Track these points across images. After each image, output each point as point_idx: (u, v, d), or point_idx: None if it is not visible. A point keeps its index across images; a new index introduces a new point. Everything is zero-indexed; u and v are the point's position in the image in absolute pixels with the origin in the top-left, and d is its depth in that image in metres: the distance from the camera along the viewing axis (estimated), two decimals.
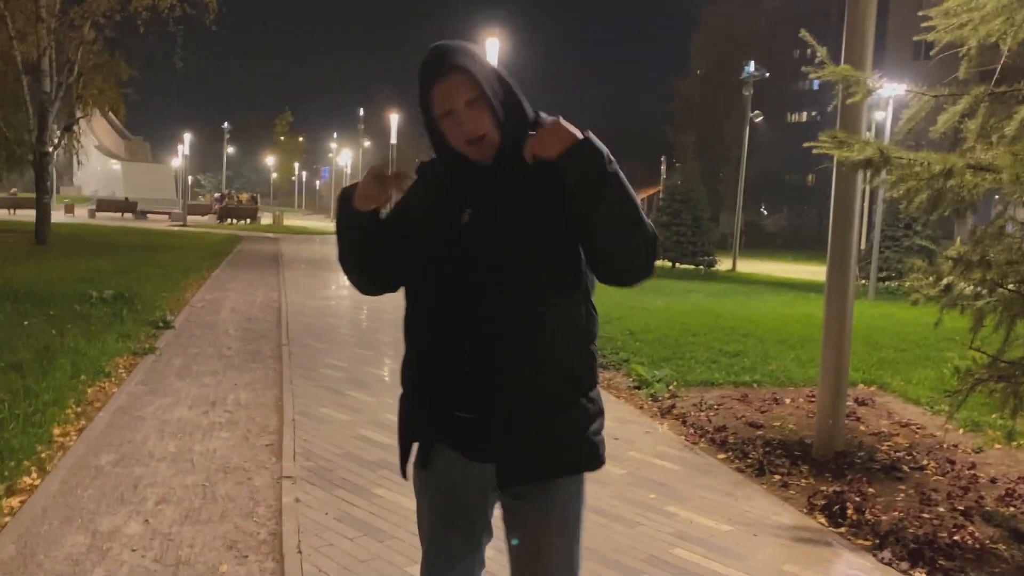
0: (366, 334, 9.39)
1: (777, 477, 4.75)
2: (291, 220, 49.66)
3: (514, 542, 1.85)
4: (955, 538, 3.87)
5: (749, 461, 5.00)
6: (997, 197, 3.98)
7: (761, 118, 32.93)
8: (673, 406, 6.31)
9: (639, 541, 3.71)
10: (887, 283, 19.47)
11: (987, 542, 3.86)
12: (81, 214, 41.87)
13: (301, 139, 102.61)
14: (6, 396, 5.23)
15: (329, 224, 51.45)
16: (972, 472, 4.90)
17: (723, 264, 26.54)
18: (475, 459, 1.81)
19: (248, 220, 41.74)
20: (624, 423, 5.84)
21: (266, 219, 44.87)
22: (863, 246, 21.03)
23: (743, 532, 3.92)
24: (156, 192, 65.37)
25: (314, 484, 4.24)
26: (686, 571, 3.44)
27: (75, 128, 21.91)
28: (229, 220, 41.39)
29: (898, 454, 5.22)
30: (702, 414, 6.11)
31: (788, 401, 6.60)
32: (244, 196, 55.85)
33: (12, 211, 38.71)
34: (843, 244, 5.20)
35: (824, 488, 4.51)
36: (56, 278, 11.95)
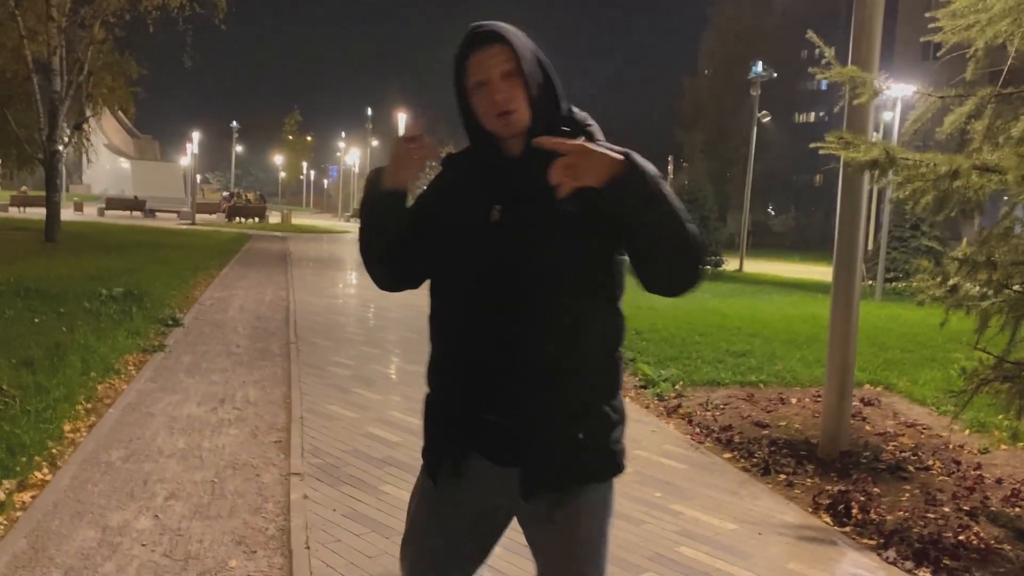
0: (373, 332, 9.43)
1: (782, 476, 4.76)
2: (299, 219, 49.78)
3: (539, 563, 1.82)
4: (960, 538, 3.88)
5: (755, 460, 5.02)
6: (1006, 198, 3.98)
7: (769, 118, 32.85)
8: (679, 405, 6.33)
9: (644, 539, 3.74)
10: (894, 284, 19.42)
11: (992, 542, 3.87)
12: (90, 212, 42.04)
13: (309, 138, 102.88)
14: (18, 392, 5.28)
15: (336, 223, 51.61)
16: (978, 472, 4.90)
17: (730, 264, 26.48)
18: (503, 464, 1.74)
19: (256, 219, 41.85)
20: (630, 422, 5.79)
21: (274, 218, 44.98)
22: (870, 247, 20.99)
23: (748, 531, 3.93)
24: (165, 191, 65.61)
25: (322, 481, 4.28)
26: (691, 569, 3.46)
27: (85, 127, 22.01)
28: (237, 219, 41.51)
29: (903, 454, 5.23)
30: (708, 413, 6.12)
31: (794, 401, 6.61)
32: (251, 195, 55.98)
33: (22, 209, 38.91)
34: (849, 244, 5.21)
35: (829, 487, 4.53)
36: (66, 275, 12.02)
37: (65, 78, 19.51)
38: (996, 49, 3.94)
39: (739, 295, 16.62)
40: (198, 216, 39.60)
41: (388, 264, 1.88)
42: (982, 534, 3.95)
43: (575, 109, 1.77)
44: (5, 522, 3.57)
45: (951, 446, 5.50)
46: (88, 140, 22.80)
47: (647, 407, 6.40)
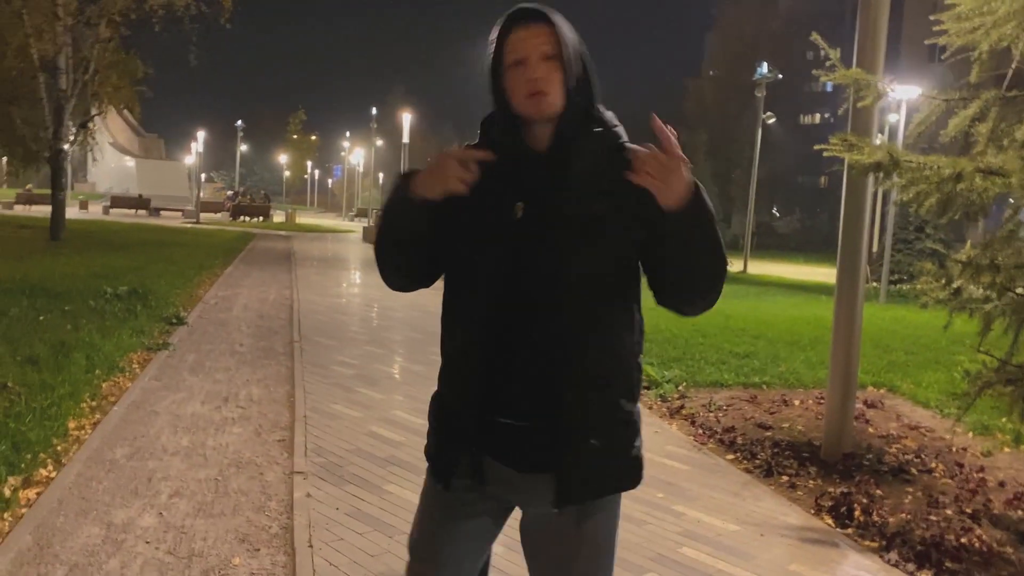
0: (377, 332, 9.45)
1: (785, 478, 4.77)
2: (303, 218, 49.85)
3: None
4: (962, 541, 3.88)
5: (757, 462, 5.02)
6: (1011, 200, 3.99)
7: (774, 119, 32.82)
8: (682, 406, 6.33)
9: (647, 540, 3.74)
10: (898, 286, 19.40)
11: (994, 545, 3.87)
12: (95, 210, 42.20)
13: (314, 137, 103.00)
14: (23, 389, 5.31)
15: (340, 223, 51.65)
16: (980, 475, 4.90)
17: (734, 265, 26.48)
18: (521, 470, 1.69)
19: (261, 218, 41.93)
20: None
21: (278, 217, 45.06)
22: (875, 249, 20.97)
23: (750, 532, 3.94)
24: (169, 189, 65.79)
25: (325, 480, 4.29)
26: (693, 570, 3.47)
27: (90, 125, 22.08)
28: (242, 218, 41.59)
29: (906, 457, 5.23)
30: (711, 415, 6.13)
31: (797, 403, 6.61)
32: (255, 195, 56.07)
33: (27, 207, 39.04)
34: (853, 246, 5.21)
35: (832, 489, 4.53)
36: (71, 274, 12.07)
37: (71, 77, 19.59)
38: (1001, 52, 3.94)
39: (743, 297, 16.61)
40: (202, 215, 39.68)
41: (406, 272, 1.79)
42: (984, 537, 3.95)
43: (603, 109, 1.73)
44: (10, 519, 3.59)
45: (954, 449, 5.50)
46: (93, 138, 22.87)
47: (650, 408, 6.40)
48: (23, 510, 3.70)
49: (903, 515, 4.20)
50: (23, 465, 4.11)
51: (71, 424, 4.92)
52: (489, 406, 1.67)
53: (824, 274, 25.11)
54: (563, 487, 1.67)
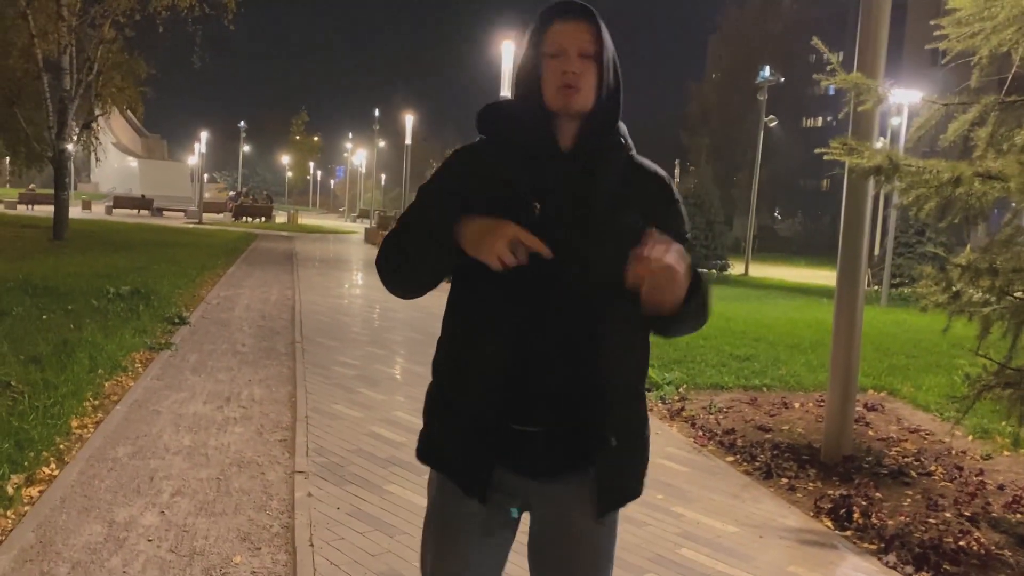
0: (378, 333, 9.47)
1: (784, 480, 4.78)
2: (306, 219, 49.89)
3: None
4: (960, 543, 3.89)
5: (757, 464, 5.04)
6: (1014, 205, 4.00)
7: (776, 123, 32.84)
8: (683, 408, 6.35)
9: (646, 540, 3.76)
10: (899, 289, 19.40)
11: (993, 548, 3.88)
12: (98, 210, 42.27)
13: (317, 138, 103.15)
14: (26, 388, 5.33)
15: (343, 223, 51.67)
16: (980, 479, 4.91)
17: (736, 268, 26.49)
18: (542, 478, 1.66)
19: (263, 218, 41.99)
20: None
21: (280, 218, 45.11)
22: (876, 252, 20.97)
23: (749, 533, 3.95)
24: (172, 190, 65.90)
25: (326, 479, 4.31)
26: (692, 571, 3.48)
27: (94, 125, 22.13)
28: (244, 218, 41.65)
29: (906, 459, 5.24)
30: (711, 417, 6.14)
31: (797, 405, 6.63)
32: (258, 196, 56.14)
33: (30, 207, 39.12)
34: (854, 249, 5.22)
35: (831, 492, 4.54)
36: (74, 273, 12.10)
37: (75, 77, 19.65)
38: (1001, 57, 3.96)
39: (744, 299, 16.62)
40: (205, 215, 39.75)
41: (419, 288, 1.71)
42: (983, 540, 3.96)
43: (624, 127, 1.72)
44: (13, 516, 3.61)
45: (953, 452, 5.51)
46: (97, 139, 22.93)
47: (650, 410, 6.41)
48: (26, 508, 3.72)
49: (902, 518, 4.21)
50: (26, 463, 4.13)
51: (74, 423, 4.94)
52: (512, 413, 1.63)
53: (826, 277, 25.11)
54: (605, 495, 1.68)
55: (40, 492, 3.91)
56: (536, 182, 1.62)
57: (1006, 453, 5.56)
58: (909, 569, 3.63)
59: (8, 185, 62.62)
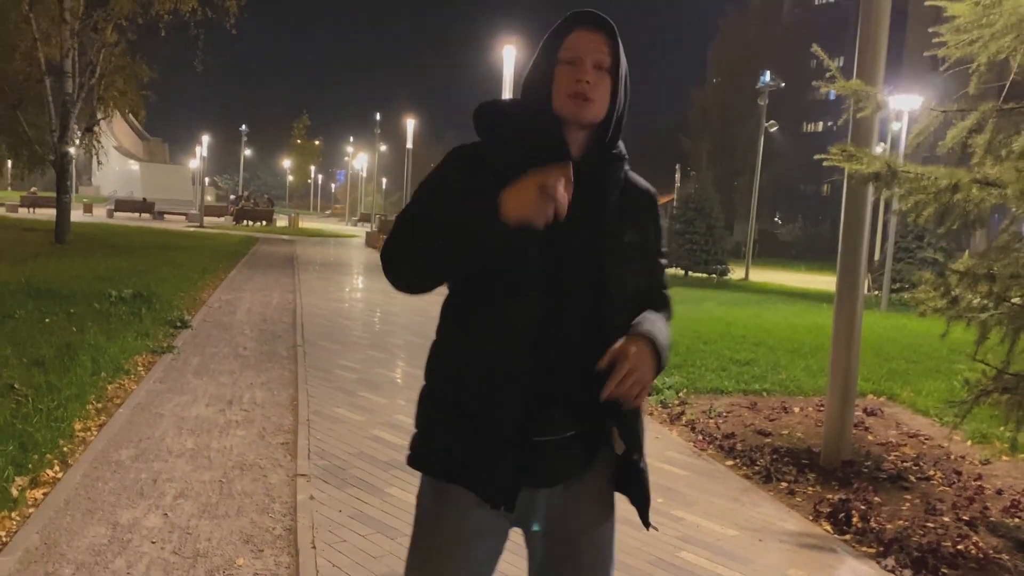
0: (379, 337, 9.49)
1: (784, 484, 4.80)
2: (306, 222, 49.93)
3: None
4: (959, 547, 3.91)
5: (756, 468, 5.06)
6: (1013, 211, 4.03)
7: (776, 128, 32.89)
8: (683, 413, 6.37)
9: (646, 544, 3.78)
10: (899, 294, 19.42)
11: (991, 552, 3.91)
12: (99, 214, 42.30)
13: (318, 142, 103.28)
14: (29, 391, 5.36)
15: (344, 227, 51.69)
16: (978, 483, 4.93)
17: (736, 273, 26.52)
18: (553, 484, 1.67)
19: (264, 222, 42.04)
20: None
21: (281, 221, 45.16)
22: (876, 257, 21.00)
23: (749, 537, 3.98)
24: (173, 193, 65.95)
25: (328, 482, 4.34)
26: (692, 574, 3.51)
27: (95, 129, 22.19)
28: (245, 222, 41.70)
29: (905, 464, 5.26)
30: (711, 421, 6.17)
31: (797, 410, 6.65)
32: (260, 200, 56.17)
33: (31, 210, 39.18)
34: (853, 254, 5.25)
35: (830, 496, 4.56)
36: (76, 276, 12.13)
37: (77, 81, 19.69)
38: (999, 64, 3.99)
39: (744, 304, 16.65)
40: (206, 218, 39.80)
41: (433, 281, 1.63)
42: (981, 544, 3.98)
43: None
44: (18, 518, 3.64)
45: (952, 457, 5.53)
46: (99, 142, 22.97)
47: (651, 414, 6.44)
48: (30, 510, 3.75)
49: (901, 522, 4.23)
50: (30, 466, 4.15)
51: (77, 426, 4.97)
52: (533, 421, 1.62)
53: (826, 282, 25.13)
54: (641, 505, 1.76)
55: (44, 494, 3.94)
56: None
57: (1004, 458, 5.58)
58: (908, 573, 3.65)
59: (10, 188, 62.70)
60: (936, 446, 5.81)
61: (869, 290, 19.48)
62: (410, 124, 35.02)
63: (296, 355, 7.83)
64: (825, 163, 4.32)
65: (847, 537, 4.06)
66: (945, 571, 3.66)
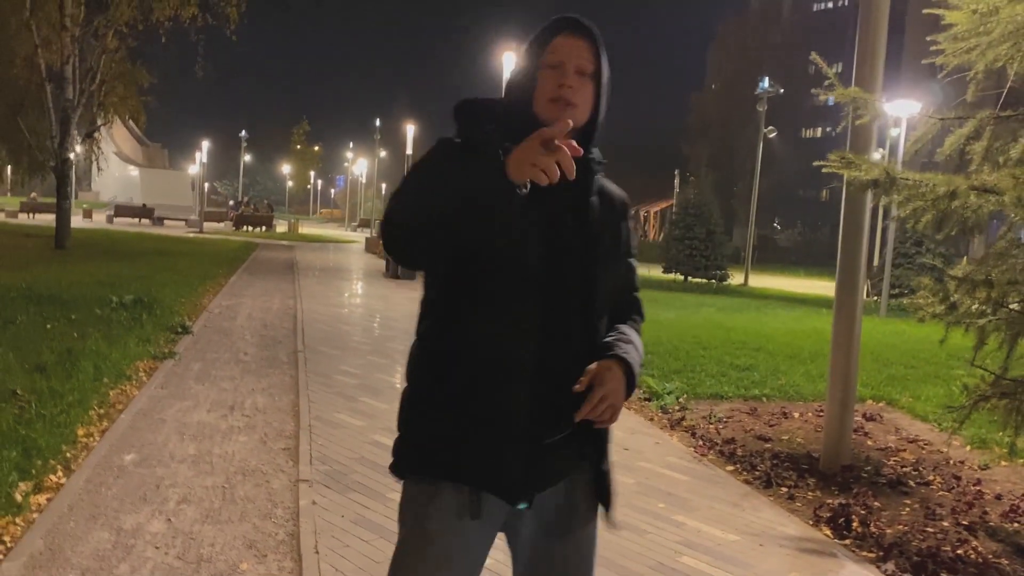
0: (379, 342, 9.51)
1: (784, 489, 4.82)
2: (306, 228, 49.95)
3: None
4: (958, 552, 3.93)
5: (757, 473, 5.08)
6: (1013, 217, 4.06)
7: (775, 133, 32.97)
8: (683, 418, 6.39)
9: (647, 549, 3.80)
10: (898, 300, 19.46)
11: (990, 557, 3.92)
12: (99, 219, 42.33)
13: (317, 148, 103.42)
14: (32, 397, 5.38)
15: (343, 233, 51.72)
16: (977, 488, 4.95)
17: (735, 278, 26.55)
18: (525, 496, 1.66)
19: (263, 228, 42.08)
20: (634, 434, 5.92)
21: (281, 227, 45.20)
22: (875, 263, 21.04)
23: (749, 542, 4.00)
24: (173, 198, 65.98)
25: (330, 488, 4.35)
26: None
27: (96, 135, 22.24)
28: (245, 227, 41.74)
29: (904, 469, 5.29)
30: (711, 426, 6.19)
31: (797, 415, 6.67)
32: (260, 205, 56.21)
33: (31, 215, 39.21)
34: (852, 260, 5.28)
35: (830, 501, 4.58)
36: (76, 282, 12.15)
37: (78, 87, 19.76)
38: (996, 72, 4.03)
39: (744, 309, 16.68)
40: (206, 224, 39.84)
41: (431, 258, 1.62)
42: (980, 549, 4.00)
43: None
44: (22, 523, 3.65)
45: (951, 462, 5.55)
46: (99, 148, 23.02)
47: (651, 419, 6.46)
48: (34, 515, 3.76)
49: (900, 526, 4.25)
50: (34, 471, 4.17)
51: (80, 431, 4.98)
52: (539, 421, 1.62)
53: (825, 287, 25.17)
54: (607, 505, 1.77)
55: (48, 499, 3.95)
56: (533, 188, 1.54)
57: (1003, 463, 5.60)
58: None
59: (9, 194, 62.75)
60: (935, 451, 5.83)
61: (868, 296, 19.52)
62: (410, 130, 35.06)
63: (297, 361, 7.85)
64: (824, 170, 4.35)
65: (847, 542, 4.07)
66: (944, 575, 3.68)
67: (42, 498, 3.95)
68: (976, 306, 3.97)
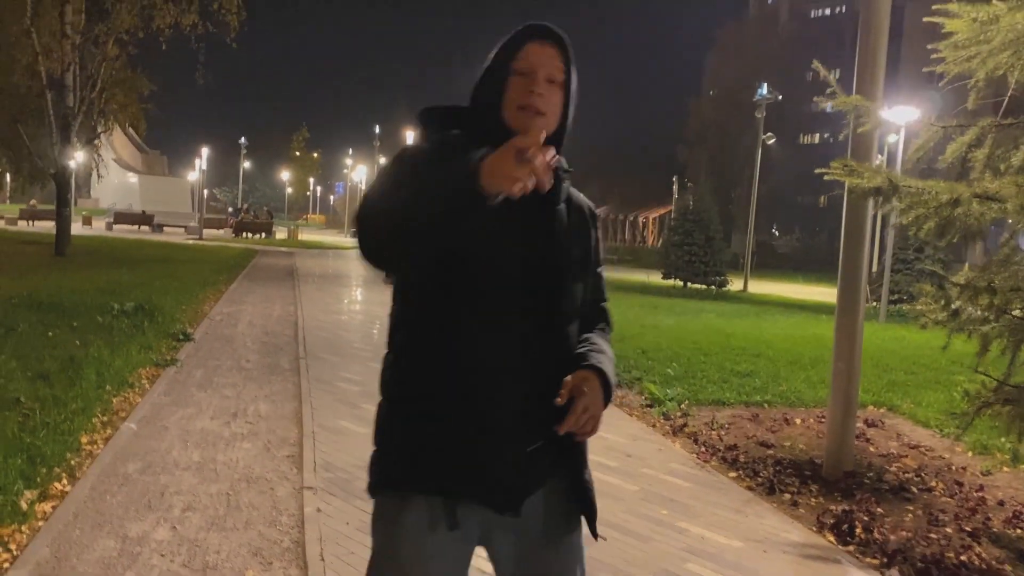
0: (380, 348, 9.38)
1: (787, 496, 4.83)
2: (305, 235, 49.95)
3: None
4: (962, 558, 3.94)
5: (760, 480, 5.09)
6: (1011, 223, 4.08)
7: (774, 140, 33.03)
8: (685, 424, 6.40)
9: (652, 556, 3.81)
10: (898, 306, 19.48)
11: (994, 563, 3.93)
12: (98, 226, 42.33)
13: (316, 155, 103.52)
14: (35, 405, 5.38)
15: (343, 240, 51.73)
16: (980, 494, 4.96)
17: (734, 284, 26.56)
18: (514, 505, 1.64)
19: (263, 234, 42.09)
20: (637, 440, 5.93)
21: (281, 233, 45.21)
22: (874, 269, 21.07)
23: (754, 548, 4.00)
24: (172, 205, 65.99)
25: (334, 495, 4.36)
26: None
27: (96, 142, 22.27)
28: (244, 234, 41.75)
29: (907, 475, 5.30)
30: (713, 433, 6.20)
31: (798, 421, 6.68)
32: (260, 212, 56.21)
33: (31, 222, 39.21)
34: (854, 268, 5.30)
35: (833, 507, 4.59)
36: (77, 289, 12.15)
37: (78, 94, 19.80)
38: (997, 80, 4.05)
39: (743, 315, 16.69)
40: (205, 231, 39.84)
41: (404, 262, 1.60)
42: (984, 555, 4.01)
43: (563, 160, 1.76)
44: (28, 531, 3.66)
45: (953, 468, 5.56)
46: (99, 155, 23.05)
47: (653, 426, 6.47)
48: (40, 523, 3.77)
49: (904, 533, 4.26)
50: (38, 479, 4.18)
51: (83, 439, 4.99)
52: (519, 429, 1.62)
53: (823, 293, 25.19)
54: (590, 517, 1.74)
55: (53, 507, 3.96)
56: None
57: (1005, 469, 5.61)
58: None
59: (8, 201, 62.76)
60: (937, 457, 5.84)
61: (867, 301, 19.51)
62: (409, 136, 35.13)
63: (299, 367, 7.85)
64: (826, 177, 4.37)
65: (851, 548, 4.08)
66: None
67: (47, 506, 3.96)
68: (978, 313, 3.99)
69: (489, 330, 1.59)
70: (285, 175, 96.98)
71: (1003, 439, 5.75)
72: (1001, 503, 4.84)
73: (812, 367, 9.33)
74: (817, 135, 70.37)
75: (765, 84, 31.79)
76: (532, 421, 1.62)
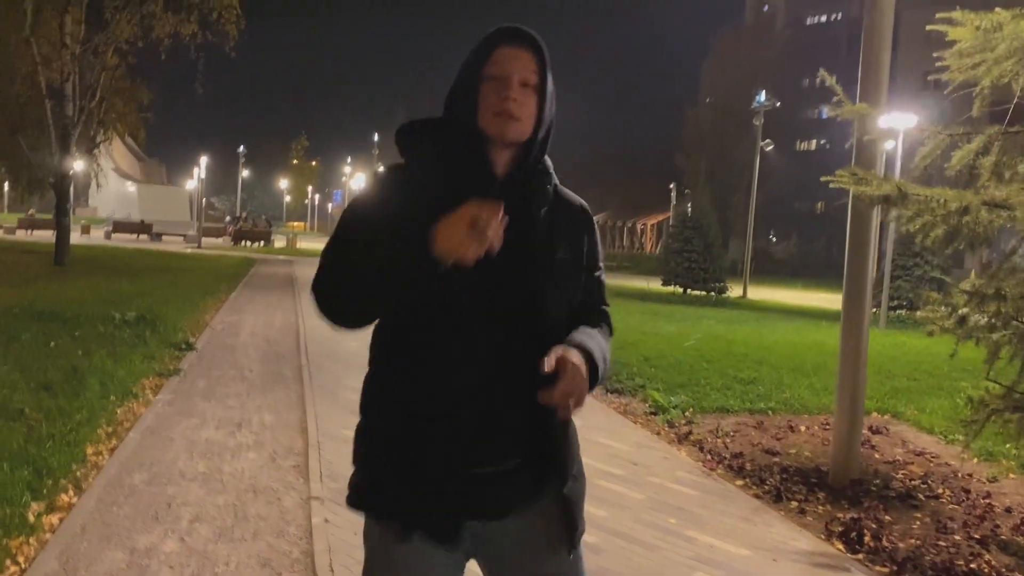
0: None
1: (794, 504, 4.82)
2: (303, 243, 49.92)
3: None
4: (972, 566, 3.94)
5: (766, 487, 5.08)
6: (1020, 230, 4.08)
7: (771, 147, 33.10)
8: (690, 432, 6.39)
9: (660, 565, 3.80)
10: (898, 312, 19.51)
11: (1004, 570, 3.93)
12: (97, 235, 42.32)
13: (315, 163, 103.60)
14: (40, 416, 5.37)
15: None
16: (987, 501, 4.96)
17: (734, 291, 26.58)
18: (493, 518, 1.63)
19: (262, 243, 42.08)
20: (642, 448, 5.93)
21: (279, 242, 45.20)
22: (875, 275, 21.09)
23: (763, 557, 3.99)
24: (170, 214, 66.00)
25: (341, 505, 4.29)
26: None
27: (95, 152, 22.28)
28: (243, 242, 41.75)
29: (913, 482, 5.29)
30: (719, 440, 6.19)
31: (803, 429, 6.68)
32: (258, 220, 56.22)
33: (29, 231, 39.19)
34: (859, 275, 5.30)
35: (841, 515, 4.59)
36: (78, 299, 12.14)
37: (77, 104, 19.83)
38: (1002, 87, 4.07)
39: (744, 322, 16.70)
40: (204, 239, 39.84)
41: (367, 320, 1.65)
42: (994, 562, 4.00)
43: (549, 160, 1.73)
44: (36, 544, 3.64)
45: (960, 475, 5.56)
46: (98, 164, 23.06)
47: (658, 434, 6.46)
48: (47, 535, 3.75)
49: (913, 540, 4.25)
50: (45, 491, 4.16)
51: (89, 450, 4.97)
52: (475, 453, 1.58)
53: (822, 299, 25.23)
54: (570, 532, 1.67)
55: (60, 519, 3.94)
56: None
57: (1012, 476, 5.61)
58: None
59: (7, 210, 62.75)
60: (943, 464, 5.84)
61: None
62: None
63: (302, 376, 7.84)
64: (832, 185, 4.38)
65: (860, 556, 4.07)
66: None
67: (54, 518, 3.94)
68: (985, 320, 3.99)
69: (456, 346, 1.57)
70: (283, 183, 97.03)
71: (1009, 446, 5.75)
72: (1008, 510, 4.83)
73: (815, 374, 9.33)
74: (813, 141, 70.51)
75: (763, 91, 31.88)
76: (489, 445, 1.59)
